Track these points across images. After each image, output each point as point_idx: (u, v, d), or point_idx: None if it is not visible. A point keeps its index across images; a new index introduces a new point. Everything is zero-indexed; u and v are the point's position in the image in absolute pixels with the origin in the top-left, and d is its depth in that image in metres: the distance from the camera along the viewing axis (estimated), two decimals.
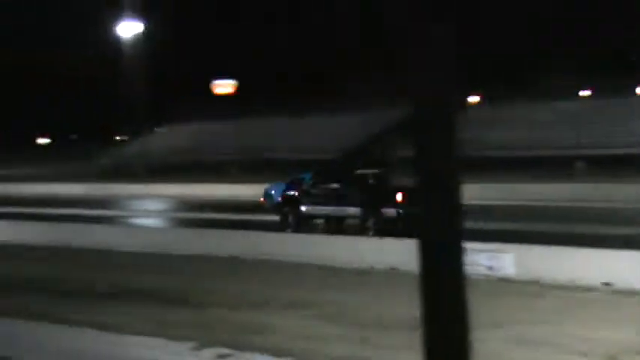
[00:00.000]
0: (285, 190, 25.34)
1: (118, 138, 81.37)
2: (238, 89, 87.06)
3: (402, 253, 15.24)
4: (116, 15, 61.60)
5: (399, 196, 22.47)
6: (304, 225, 24.55)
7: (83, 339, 10.89)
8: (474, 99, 63.86)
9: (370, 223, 22.93)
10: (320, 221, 24.99)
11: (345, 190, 23.83)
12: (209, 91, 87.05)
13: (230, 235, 20.78)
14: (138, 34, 60.68)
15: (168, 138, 71.37)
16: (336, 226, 24.15)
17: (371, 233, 22.34)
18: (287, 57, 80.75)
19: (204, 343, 10.32)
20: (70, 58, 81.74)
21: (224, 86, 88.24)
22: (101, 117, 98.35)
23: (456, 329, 4.53)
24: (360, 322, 11.99)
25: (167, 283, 15.83)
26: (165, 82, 76.63)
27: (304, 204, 24.49)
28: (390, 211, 22.62)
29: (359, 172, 24.59)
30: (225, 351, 9.97)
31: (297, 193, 24.80)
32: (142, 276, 16.84)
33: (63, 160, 72.25)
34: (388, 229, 21.81)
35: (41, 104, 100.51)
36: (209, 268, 17.51)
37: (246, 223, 25.41)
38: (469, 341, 4.55)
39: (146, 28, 61.00)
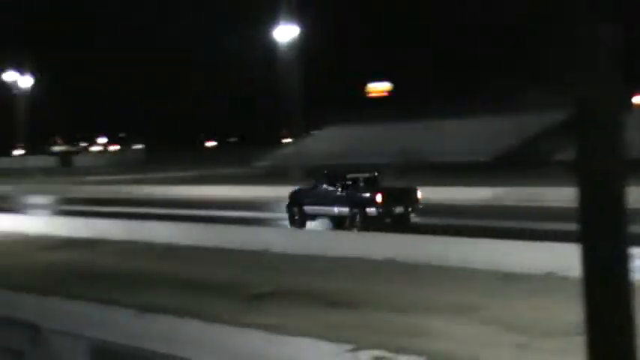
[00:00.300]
0: (296, 192, 28.37)
1: (284, 141, 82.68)
2: (393, 92, 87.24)
3: (560, 258, 14.87)
4: (272, 20, 62.76)
5: (378, 197, 25.39)
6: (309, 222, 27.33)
7: (252, 340, 11.18)
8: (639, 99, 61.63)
9: (357, 221, 25.58)
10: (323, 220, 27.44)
11: (337, 191, 26.70)
12: (364, 94, 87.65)
13: (386, 237, 20.84)
14: (294, 38, 61.56)
15: (324, 141, 72.22)
16: (337, 225, 26.45)
17: (356, 230, 25.05)
18: (441, 58, 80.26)
19: (362, 346, 10.39)
20: (230, 64, 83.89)
21: (379, 89, 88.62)
22: (261, 120, 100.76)
23: (620, 336, 4.41)
24: (520, 327, 11.77)
25: (326, 285, 16.00)
26: (321, 85, 77.57)
27: (306, 204, 27.43)
28: (372, 211, 25.38)
29: (350, 175, 27.38)
30: (383, 354, 9.99)
31: (302, 195, 27.93)
32: (302, 277, 17.07)
33: (225, 163, 74.32)
34: (373, 226, 24.60)
35: (206, 107, 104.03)
36: (366, 270, 17.57)
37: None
38: (635, 349, 4.42)
39: (302, 31, 61.81)
